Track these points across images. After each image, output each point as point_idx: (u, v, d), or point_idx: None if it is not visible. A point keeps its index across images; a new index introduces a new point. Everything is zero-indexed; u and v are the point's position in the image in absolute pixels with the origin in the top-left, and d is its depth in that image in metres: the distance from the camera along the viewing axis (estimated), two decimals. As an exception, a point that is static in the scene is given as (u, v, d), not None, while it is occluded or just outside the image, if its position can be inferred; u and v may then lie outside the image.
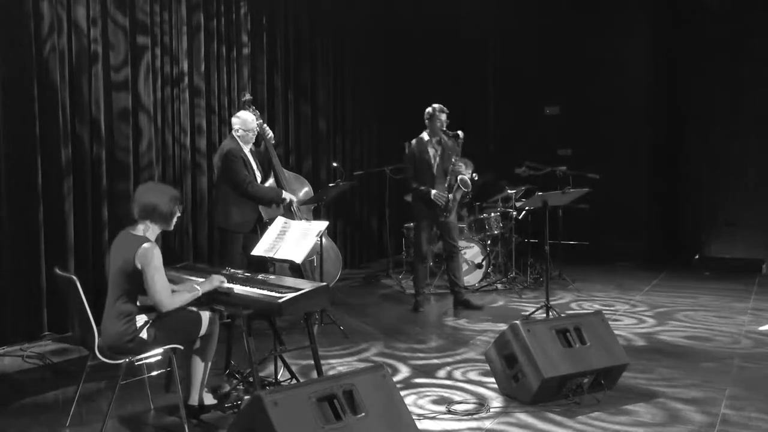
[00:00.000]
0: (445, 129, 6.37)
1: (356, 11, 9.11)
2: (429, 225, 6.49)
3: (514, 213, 7.69)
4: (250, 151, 5.75)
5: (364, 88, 9.36)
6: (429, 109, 6.42)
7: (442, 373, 4.67)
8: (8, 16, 5.18)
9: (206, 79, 6.82)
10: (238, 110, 6.84)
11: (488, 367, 4.39)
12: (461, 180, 6.33)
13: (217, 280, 3.77)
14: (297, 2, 8.13)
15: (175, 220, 3.65)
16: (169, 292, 3.53)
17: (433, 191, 6.29)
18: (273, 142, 6.17)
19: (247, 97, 6.21)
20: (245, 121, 5.68)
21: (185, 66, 6.59)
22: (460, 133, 6.36)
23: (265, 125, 6.10)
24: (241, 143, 5.66)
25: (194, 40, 6.69)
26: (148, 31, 6.17)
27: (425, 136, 6.46)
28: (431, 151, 6.41)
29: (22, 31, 5.23)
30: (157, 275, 3.44)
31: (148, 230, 3.56)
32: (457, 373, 4.65)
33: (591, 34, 9.63)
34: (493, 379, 4.33)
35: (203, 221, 6.79)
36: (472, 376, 4.59)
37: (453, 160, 6.37)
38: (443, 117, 6.35)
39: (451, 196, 6.33)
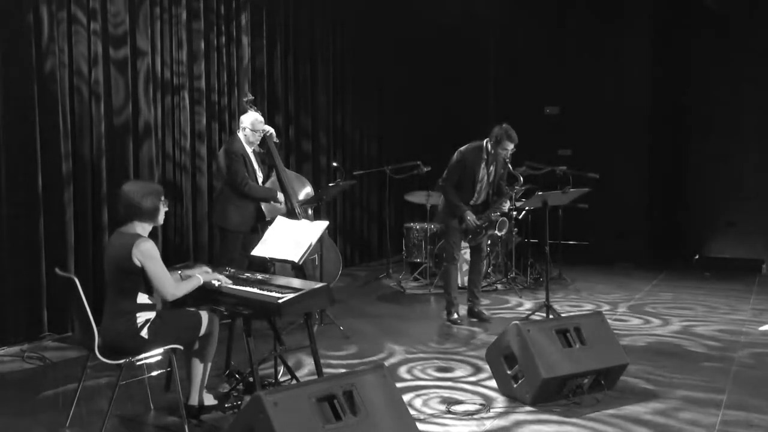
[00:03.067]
0: (508, 160, 5.89)
1: (356, 11, 9.11)
2: (459, 231, 5.97)
3: (514, 213, 7.69)
4: (253, 151, 5.78)
5: (364, 88, 9.36)
6: (497, 131, 5.81)
7: (442, 373, 4.67)
8: (7, 23, 5.18)
9: (206, 84, 6.81)
10: (239, 112, 6.85)
11: (488, 367, 4.39)
12: (501, 222, 6.05)
13: (217, 276, 3.80)
14: (297, 3, 8.13)
15: (161, 214, 3.66)
16: (172, 281, 3.56)
17: (470, 215, 5.84)
18: (276, 140, 6.18)
19: (249, 97, 6.25)
20: (254, 121, 5.71)
21: (185, 71, 6.59)
22: (520, 178, 6.00)
23: (266, 124, 6.11)
24: (244, 142, 5.69)
25: (193, 45, 6.69)
26: (148, 37, 6.18)
27: (484, 151, 5.89)
28: (483, 169, 5.91)
29: (22, 36, 5.23)
30: (159, 267, 3.49)
31: (138, 228, 3.58)
32: (457, 373, 4.65)
33: (591, 34, 9.63)
34: (493, 380, 4.33)
35: (203, 222, 6.79)
36: (472, 376, 4.59)
37: (503, 200, 5.98)
38: (510, 146, 5.80)
39: (484, 230, 5.94)
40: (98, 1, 5.74)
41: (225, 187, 5.70)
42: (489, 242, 7.55)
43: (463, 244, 6.55)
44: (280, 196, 5.80)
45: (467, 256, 7.32)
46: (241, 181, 5.57)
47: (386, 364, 4.75)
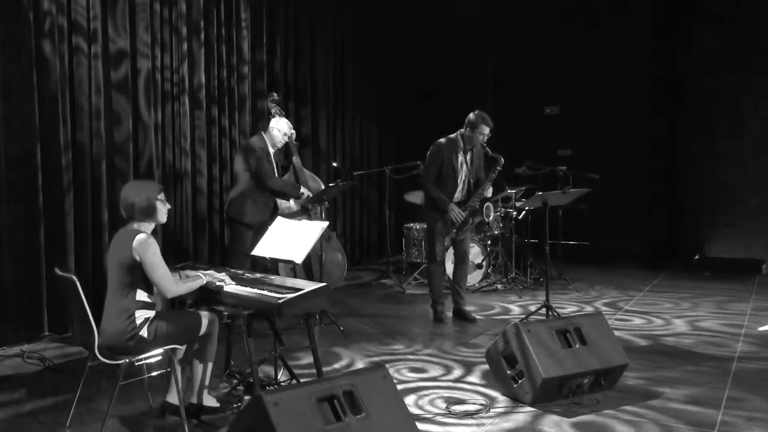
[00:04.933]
0: (484, 144, 5.88)
1: (356, 12, 9.12)
2: (443, 229, 5.98)
3: (514, 213, 7.70)
4: (274, 154, 5.93)
5: (363, 88, 9.36)
6: (473, 117, 5.80)
7: (442, 373, 4.67)
8: (7, 15, 5.17)
9: (206, 87, 6.81)
10: (238, 113, 6.88)
11: (488, 368, 4.39)
12: (486, 207, 6.00)
13: (220, 276, 3.81)
14: (297, 5, 8.13)
15: (162, 213, 3.64)
16: (171, 278, 3.55)
17: (454, 207, 5.85)
18: (296, 142, 6.30)
19: (275, 96, 6.34)
20: (282, 126, 5.90)
21: (185, 75, 6.59)
22: (500, 158, 5.86)
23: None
24: (268, 143, 5.84)
25: (194, 51, 6.69)
26: (148, 43, 6.17)
27: (459, 140, 5.91)
28: (461, 158, 5.91)
29: (22, 31, 5.23)
30: (157, 262, 3.48)
31: (140, 227, 3.59)
32: (457, 374, 4.65)
33: (591, 34, 9.63)
34: (493, 380, 4.33)
35: (203, 222, 6.80)
36: (472, 376, 4.59)
37: (485, 184, 5.94)
38: (486, 131, 5.78)
39: (470, 219, 5.94)
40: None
41: (245, 181, 5.78)
42: (489, 242, 7.59)
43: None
44: (304, 190, 5.94)
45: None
46: (266, 173, 5.69)
47: (386, 363, 4.75)
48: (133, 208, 3.56)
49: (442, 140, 5.99)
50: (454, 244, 6.22)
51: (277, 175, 5.92)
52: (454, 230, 5.97)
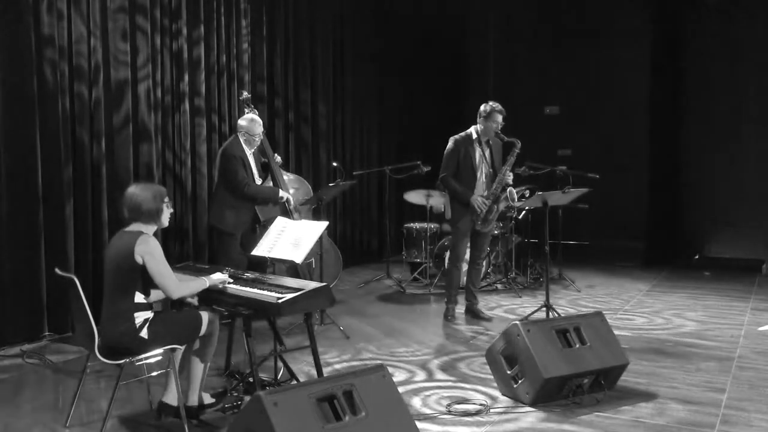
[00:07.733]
0: (499, 132, 5.88)
1: (356, 13, 9.12)
2: (467, 229, 5.95)
3: (514, 213, 7.69)
4: (253, 153, 5.71)
5: (364, 89, 9.36)
6: (486, 107, 5.87)
7: (442, 373, 4.67)
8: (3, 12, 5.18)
9: (206, 89, 6.82)
10: (238, 115, 6.83)
11: (488, 368, 4.39)
12: (509, 192, 5.94)
13: (223, 278, 3.80)
14: (297, 7, 8.13)
15: (165, 216, 3.62)
16: (175, 279, 3.53)
17: (477, 197, 5.83)
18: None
19: (245, 95, 6.17)
20: (251, 126, 5.61)
21: (185, 78, 6.59)
22: (518, 142, 5.85)
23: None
24: (244, 144, 5.62)
25: (193, 53, 6.69)
26: (149, 48, 6.18)
27: (473, 133, 5.93)
28: (478, 151, 5.92)
29: (22, 32, 5.23)
30: (161, 264, 3.46)
31: (142, 229, 3.56)
32: (457, 374, 4.65)
33: (591, 34, 9.64)
34: (493, 380, 4.33)
35: (203, 222, 6.80)
36: (472, 376, 4.59)
37: (504, 169, 5.90)
38: (500, 118, 5.82)
39: (495, 206, 5.90)
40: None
41: (222, 188, 5.64)
42: (489, 242, 7.58)
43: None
44: (283, 193, 5.75)
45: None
46: (241, 182, 5.50)
47: (386, 363, 4.75)
48: (140, 210, 3.53)
49: (456, 136, 5.99)
50: (473, 241, 6.12)
51: (257, 177, 5.70)
52: (479, 222, 5.91)
